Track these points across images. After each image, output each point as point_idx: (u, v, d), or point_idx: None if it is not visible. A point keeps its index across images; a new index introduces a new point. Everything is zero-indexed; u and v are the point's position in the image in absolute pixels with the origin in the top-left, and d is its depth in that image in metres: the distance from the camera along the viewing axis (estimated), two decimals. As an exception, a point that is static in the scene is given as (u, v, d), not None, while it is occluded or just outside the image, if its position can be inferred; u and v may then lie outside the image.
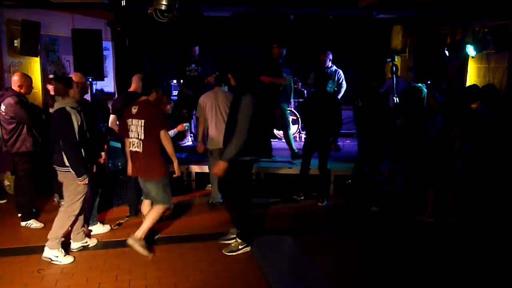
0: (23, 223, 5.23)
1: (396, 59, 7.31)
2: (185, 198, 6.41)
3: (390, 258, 4.66)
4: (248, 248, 4.63)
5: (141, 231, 4.45)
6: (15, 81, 5.04)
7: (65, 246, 4.52)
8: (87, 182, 4.28)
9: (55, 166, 4.36)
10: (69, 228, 4.48)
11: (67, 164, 4.18)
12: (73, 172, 4.18)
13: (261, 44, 8.14)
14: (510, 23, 6.22)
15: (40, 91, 6.92)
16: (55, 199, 5.97)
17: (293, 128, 8.57)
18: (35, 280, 3.99)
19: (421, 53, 7.16)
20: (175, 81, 8.83)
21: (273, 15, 8.25)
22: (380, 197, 6.12)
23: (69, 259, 4.37)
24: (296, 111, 8.64)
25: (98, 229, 5.11)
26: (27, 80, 5.12)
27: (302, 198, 6.32)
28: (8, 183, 6.35)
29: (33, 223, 5.23)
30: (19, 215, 5.26)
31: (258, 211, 6.02)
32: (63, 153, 4.17)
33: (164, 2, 4.03)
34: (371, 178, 5.97)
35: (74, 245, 4.65)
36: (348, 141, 8.49)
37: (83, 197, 4.37)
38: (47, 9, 6.70)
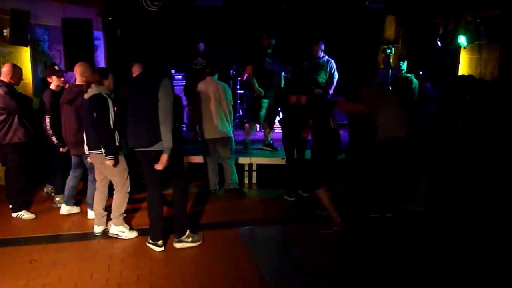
0: (14, 214, 5.20)
1: (394, 51, 7.31)
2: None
3: (380, 246, 4.68)
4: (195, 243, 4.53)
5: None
6: (5, 72, 4.99)
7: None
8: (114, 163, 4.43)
9: (91, 151, 4.51)
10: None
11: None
12: (103, 152, 4.35)
13: (254, 34, 8.10)
14: (503, 13, 6.23)
15: (30, 81, 6.84)
16: (44, 189, 5.94)
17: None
18: (27, 271, 3.97)
19: (413, 43, 7.16)
20: (173, 71, 8.91)
21: (265, 5, 8.21)
22: (372, 187, 6.13)
23: (134, 233, 4.69)
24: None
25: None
26: (17, 71, 5.07)
27: (294, 199, 6.04)
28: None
29: (24, 214, 5.20)
30: (10, 206, 5.23)
31: (250, 201, 6.05)
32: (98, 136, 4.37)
33: (154, -10, 3.97)
34: (363, 167, 5.98)
35: (98, 229, 4.78)
36: (340, 132, 8.48)
37: (128, 173, 4.61)
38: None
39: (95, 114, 4.34)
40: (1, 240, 4.65)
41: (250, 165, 6.75)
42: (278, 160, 6.70)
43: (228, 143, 6.04)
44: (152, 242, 4.43)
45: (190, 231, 4.53)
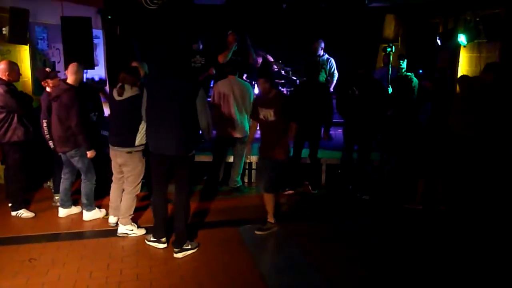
0: (13, 213, 5.20)
1: (394, 49, 7.30)
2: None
3: (380, 245, 4.69)
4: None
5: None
6: (1, 70, 4.95)
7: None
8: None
9: (123, 148, 4.58)
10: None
11: (137, 143, 4.55)
12: (140, 152, 4.62)
13: (253, 32, 8.09)
14: (502, 12, 6.22)
15: (30, 80, 6.83)
16: (48, 182, 5.94)
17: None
18: (26, 269, 3.98)
19: (413, 42, 7.15)
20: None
21: (265, 3, 8.19)
22: (371, 186, 6.15)
23: (142, 230, 4.79)
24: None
25: (96, 214, 5.16)
26: (14, 67, 5.04)
27: (292, 192, 6.23)
28: (-2, 173, 6.31)
29: (24, 213, 5.20)
30: (9, 204, 5.23)
31: (250, 200, 6.05)
32: (136, 135, 4.52)
33: (153, -11, 3.96)
34: (362, 167, 5.99)
35: (113, 219, 4.98)
36: (339, 130, 8.49)
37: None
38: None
39: (131, 114, 4.49)
40: (1, 238, 4.65)
41: (250, 163, 6.75)
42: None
43: (245, 141, 6.08)
44: (155, 239, 4.45)
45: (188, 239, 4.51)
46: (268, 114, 4.70)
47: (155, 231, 4.49)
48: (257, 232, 4.82)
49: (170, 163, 4.30)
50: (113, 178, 4.95)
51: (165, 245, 4.44)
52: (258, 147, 4.94)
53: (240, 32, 7.44)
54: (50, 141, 5.17)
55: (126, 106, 4.51)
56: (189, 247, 4.40)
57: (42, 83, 5.25)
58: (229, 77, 5.96)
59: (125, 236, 4.70)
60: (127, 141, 4.57)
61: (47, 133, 5.15)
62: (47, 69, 5.40)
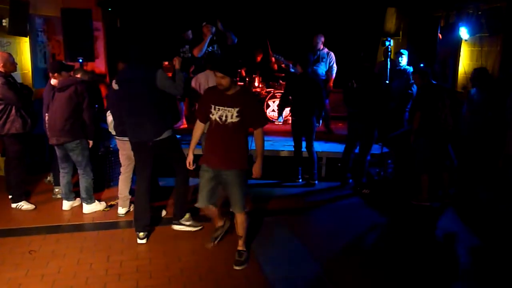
0: (13, 205, 5.20)
1: (392, 43, 7.27)
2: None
3: (379, 238, 4.70)
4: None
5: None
6: None
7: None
8: None
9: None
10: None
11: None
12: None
13: (254, 23, 8.07)
14: (504, 6, 6.19)
15: (30, 72, 6.82)
16: (48, 177, 5.95)
17: (286, 111, 8.58)
18: (26, 261, 3.99)
19: (414, 36, 7.11)
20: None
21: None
22: (371, 180, 6.16)
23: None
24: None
25: (96, 206, 5.18)
26: (8, 58, 4.98)
27: (300, 180, 6.37)
28: (-1, 165, 6.31)
29: (24, 205, 5.21)
30: (10, 196, 5.24)
31: (250, 195, 6.05)
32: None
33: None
34: (363, 160, 6.00)
35: (122, 210, 5.05)
36: (340, 124, 8.50)
37: None
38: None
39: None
40: (1, 230, 4.66)
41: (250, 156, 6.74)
42: (275, 152, 6.72)
43: None
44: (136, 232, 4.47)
45: (191, 215, 4.63)
46: (227, 114, 3.79)
47: (136, 221, 4.46)
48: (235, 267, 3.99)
49: (153, 149, 4.35)
50: (121, 169, 5.00)
51: (143, 241, 4.41)
52: (202, 157, 4.08)
53: (212, 21, 7.41)
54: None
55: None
56: (188, 223, 4.48)
57: (55, 75, 5.06)
58: (207, 71, 5.91)
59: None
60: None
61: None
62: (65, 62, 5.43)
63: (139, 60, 4.33)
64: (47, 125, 5.08)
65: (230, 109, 3.79)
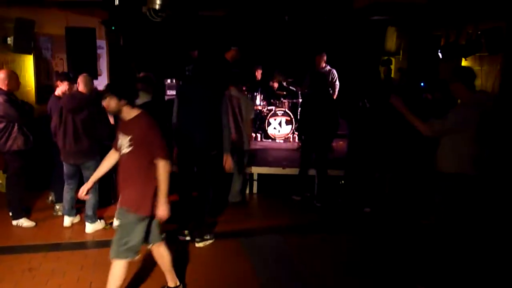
0: (14, 222, 5.18)
1: (392, 63, 7.35)
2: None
3: (380, 258, 4.67)
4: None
5: None
6: (1, 79, 4.93)
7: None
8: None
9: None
10: None
11: None
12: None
13: (256, 44, 8.15)
14: (504, 26, 6.26)
15: (33, 89, 6.88)
16: (49, 197, 5.94)
17: (287, 129, 8.62)
18: (26, 279, 3.96)
19: (415, 54, 7.20)
20: (169, 80, 8.85)
21: (267, 15, 8.26)
22: (373, 198, 6.14)
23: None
24: (290, 112, 8.65)
25: (98, 225, 5.14)
26: (13, 76, 5.03)
27: (300, 199, 6.31)
28: (0, 181, 6.31)
29: (24, 222, 5.19)
30: (10, 213, 5.22)
31: (252, 211, 6.05)
32: None
33: (158, 2, 4.02)
34: (366, 178, 5.99)
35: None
36: (341, 142, 8.50)
37: None
38: (41, 7, 6.66)
39: None
40: (1, 248, 4.64)
41: (251, 174, 6.75)
42: (279, 169, 6.72)
43: (245, 153, 6.14)
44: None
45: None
46: (123, 143, 3.30)
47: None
48: None
49: (196, 158, 4.67)
50: None
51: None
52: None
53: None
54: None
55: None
56: (208, 237, 4.77)
57: (58, 82, 5.37)
58: (230, 88, 5.99)
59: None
60: None
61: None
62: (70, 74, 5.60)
63: (204, 80, 4.72)
64: (61, 146, 5.00)
65: (124, 137, 3.29)
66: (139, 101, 4.58)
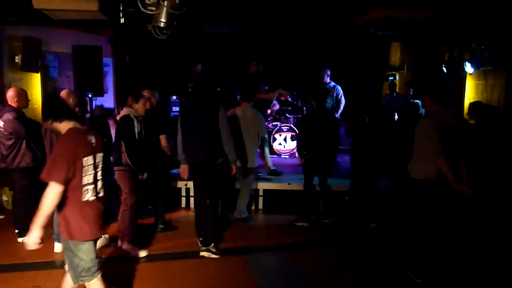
0: (20, 239, 5.18)
1: (397, 78, 7.36)
2: (184, 214, 6.40)
3: (388, 275, 4.62)
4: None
5: None
6: (10, 96, 5.03)
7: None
8: (145, 177, 4.86)
9: (115, 167, 4.81)
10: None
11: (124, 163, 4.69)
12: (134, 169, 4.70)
13: (261, 60, 8.20)
14: (508, 40, 6.27)
15: (40, 107, 6.94)
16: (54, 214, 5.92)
17: (293, 144, 8.61)
18: (31, 297, 3.95)
19: (419, 69, 7.22)
20: (174, 97, 8.92)
21: (272, 32, 8.34)
22: (379, 213, 6.09)
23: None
24: (295, 127, 8.66)
25: (102, 242, 5.08)
26: (22, 94, 5.12)
27: (307, 225, 5.97)
28: (6, 198, 6.33)
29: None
30: (16, 231, 5.23)
31: (257, 228, 6.01)
32: (123, 153, 4.66)
33: (163, 20, 4.07)
34: (370, 193, 5.95)
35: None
36: (346, 157, 8.48)
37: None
38: (48, 26, 6.77)
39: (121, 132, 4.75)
40: (6, 265, 4.64)
41: (256, 190, 6.73)
42: (284, 185, 6.69)
43: (253, 170, 6.16)
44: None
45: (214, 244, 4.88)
46: None
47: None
48: None
49: (202, 170, 4.77)
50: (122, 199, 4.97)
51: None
52: None
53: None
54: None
55: (119, 123, 4.82)
56: (214, 250, 4.83)
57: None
58: (243, 104, 6.01)
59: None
60: (116, 160, 4.84)
61: None
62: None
63: (205, 94, 4.89)
64: None
65: None
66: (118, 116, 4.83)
